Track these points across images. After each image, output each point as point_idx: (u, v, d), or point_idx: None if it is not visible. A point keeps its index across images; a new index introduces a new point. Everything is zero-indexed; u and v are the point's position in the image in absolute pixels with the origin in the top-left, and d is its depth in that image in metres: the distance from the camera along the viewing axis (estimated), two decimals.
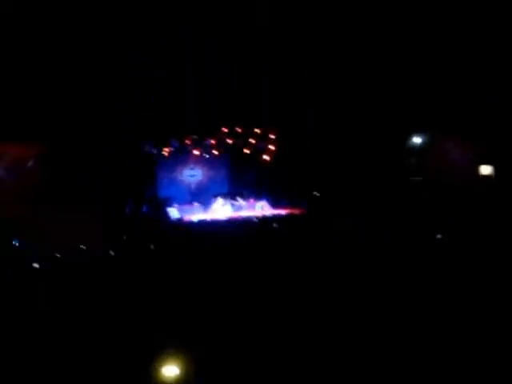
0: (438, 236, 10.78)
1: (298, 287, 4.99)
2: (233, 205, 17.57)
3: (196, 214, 16.56)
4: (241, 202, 18.04)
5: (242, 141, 19.37)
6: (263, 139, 19.37)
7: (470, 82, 13.23)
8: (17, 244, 9.21)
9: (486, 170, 13.22)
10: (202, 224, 14.33)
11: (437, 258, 8.17)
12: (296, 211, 15.98)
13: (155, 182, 18.84)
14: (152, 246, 8.52)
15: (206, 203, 17.90)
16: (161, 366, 3.45)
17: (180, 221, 15.17)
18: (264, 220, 14.16)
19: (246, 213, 16.67)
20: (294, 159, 17.72)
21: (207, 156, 19.64)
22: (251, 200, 18.20)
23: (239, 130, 19.01)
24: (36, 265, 6.75)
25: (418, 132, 15.06)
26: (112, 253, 7.76)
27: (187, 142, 19.03)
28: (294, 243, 8.46)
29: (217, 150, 19.51)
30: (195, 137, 18.95)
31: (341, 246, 7.93)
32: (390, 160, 15.72)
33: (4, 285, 5.81)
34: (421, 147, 15.00)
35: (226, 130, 18.88)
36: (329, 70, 15.61)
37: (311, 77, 15.90)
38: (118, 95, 15.73)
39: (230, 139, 19.18)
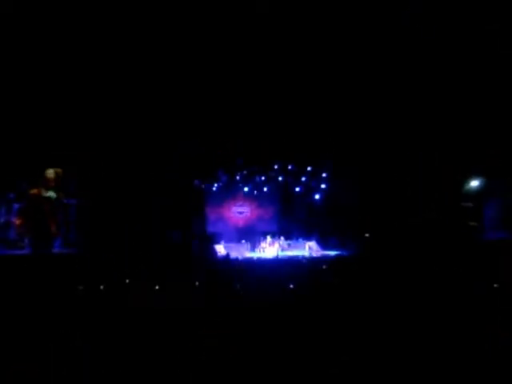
0: None
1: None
2: (281, 244, 17.17)
3: (243, 252, 16.23)
4: (289, 241, 17.69)
5: (292, 178, 19.22)
6: (315, 177, 19.21)
7: None
8: None
9: None
10: (249, 263, 13.92)
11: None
12: (346, 253, 15.33)
13: (203, 217, 18.62)
14: (197, 283, 8.33)
15: (253, 241, 17.66)
16: None
17: (226, 258, 14.58)
18: (312, 261, 13.57)
19: (294, 253, 16.13)
20: (346, 199, 17.21)
21: (256, 192, 19.62)
22: (300, 240, 17.91)
23: (290, 167, 18.82)
24: None
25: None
26: (157, 287, 7.73)
27: (237, 177, 18.98)
28: (343, 286, 8.18)
29: (267, 186, 19.50)
30: (245, 172, 18.88)
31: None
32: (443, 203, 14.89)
33: None
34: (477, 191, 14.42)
35: (276, 167, 18.74)
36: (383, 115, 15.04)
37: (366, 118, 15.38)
38: (169, 132, 15.58)
39: (281, 176, 19.07)
